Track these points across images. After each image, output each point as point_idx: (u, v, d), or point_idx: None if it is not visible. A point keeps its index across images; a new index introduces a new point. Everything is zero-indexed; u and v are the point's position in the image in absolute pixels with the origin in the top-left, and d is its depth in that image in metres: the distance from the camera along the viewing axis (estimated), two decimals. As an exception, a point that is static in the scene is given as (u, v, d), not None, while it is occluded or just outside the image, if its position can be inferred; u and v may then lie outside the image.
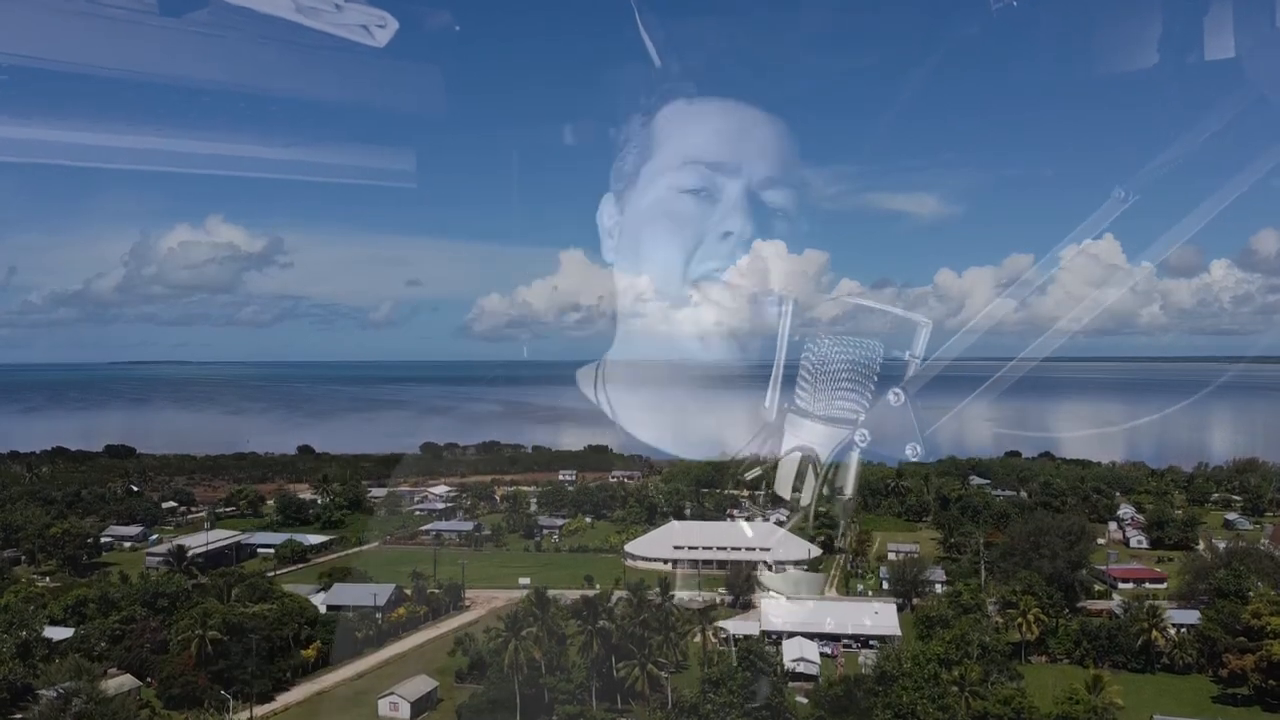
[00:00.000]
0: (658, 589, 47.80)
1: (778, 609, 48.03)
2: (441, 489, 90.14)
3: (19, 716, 36.87)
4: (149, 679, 40.70)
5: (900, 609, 52.65)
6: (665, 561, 62.95)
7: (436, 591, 54.81)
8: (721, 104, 6.25)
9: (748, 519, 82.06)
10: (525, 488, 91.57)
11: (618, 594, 54.16)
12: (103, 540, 69.15)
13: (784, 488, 6.48)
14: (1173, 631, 46.21)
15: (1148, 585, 59.04)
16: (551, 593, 55.44)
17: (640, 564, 63.25)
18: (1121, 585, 59.12)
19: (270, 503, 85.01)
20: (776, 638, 46.84)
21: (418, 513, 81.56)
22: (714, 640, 43.68)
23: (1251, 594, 51.22)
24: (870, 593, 57.53)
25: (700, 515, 76.17)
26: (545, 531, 72.98)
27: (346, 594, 51.22)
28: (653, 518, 73.58)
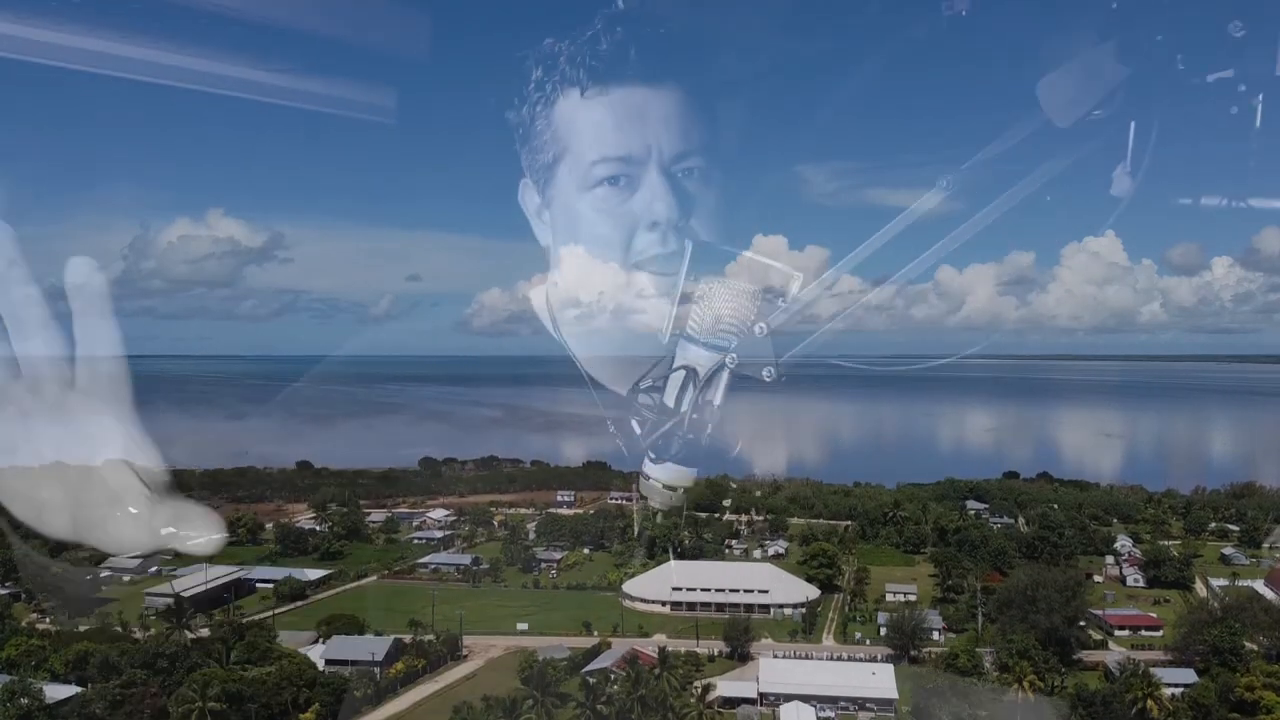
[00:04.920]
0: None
1: (775, 670, 48.23)
2: (440, 513, 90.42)
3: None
4: (148, 746, 41.01)
5: (897, 660, 52.99)
6: (663, 604, 63.10)
7: (433, 639, 55.02)
8: (615, 93, 5.92)
9: (744, 550, 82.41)
10: (523, 510, 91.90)
11: (616, 646, 54.41)
12: (102, 575, 69.25)
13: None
14: (1167, 695, 46.46)
15: (1144, 632, 59.33)
16: (548, 641, 55.87)
17: (639, 605, 63.42)
18: (1118, 632, 59.39)
19: (270, 527, 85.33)
20: (774, 699, 47.10)
21: (415, 541, 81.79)
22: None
23: (1248, 647, 51.57)
24: (868, 640, 57.75)
25: (698, 547, 76.38)
26: (543, 565, 73.17)
27: (345, 648, 51.41)
28: (652, 551, 73.75)
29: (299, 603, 65.51)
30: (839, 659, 52.97)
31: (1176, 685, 47.71)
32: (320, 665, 48.99)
